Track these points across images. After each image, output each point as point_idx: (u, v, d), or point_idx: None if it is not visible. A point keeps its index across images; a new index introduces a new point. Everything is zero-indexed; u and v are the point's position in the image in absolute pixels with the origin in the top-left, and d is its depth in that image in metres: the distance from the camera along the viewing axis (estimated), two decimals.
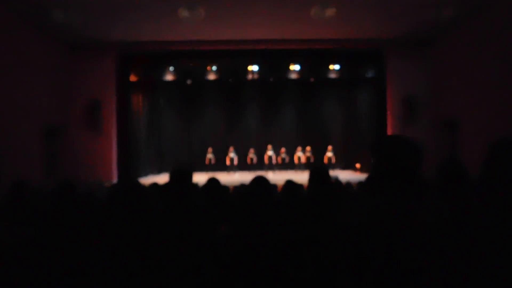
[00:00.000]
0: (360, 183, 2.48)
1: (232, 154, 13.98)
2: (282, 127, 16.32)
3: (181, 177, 2.28)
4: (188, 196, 2.24)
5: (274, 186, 7.01)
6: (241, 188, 5.36)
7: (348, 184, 6.17)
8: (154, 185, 3.64)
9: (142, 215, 1.26)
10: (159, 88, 14.57)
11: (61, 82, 10.82)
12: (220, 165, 15.63)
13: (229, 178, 12.27)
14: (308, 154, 13.99)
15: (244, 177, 12.12)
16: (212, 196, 3.07)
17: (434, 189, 2.02)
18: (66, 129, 11.07)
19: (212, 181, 3.18)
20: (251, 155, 14.22)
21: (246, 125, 16.27)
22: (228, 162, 13.91)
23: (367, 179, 1.72)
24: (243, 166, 16.02)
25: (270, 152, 13.96)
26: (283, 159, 14.16)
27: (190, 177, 2.36)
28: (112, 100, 11.43)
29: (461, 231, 1.05)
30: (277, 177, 12.11)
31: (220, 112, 16.21)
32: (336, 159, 14.29)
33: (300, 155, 13.82)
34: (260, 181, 2.33)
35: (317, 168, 2.45)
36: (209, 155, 14.22)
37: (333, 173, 12.08)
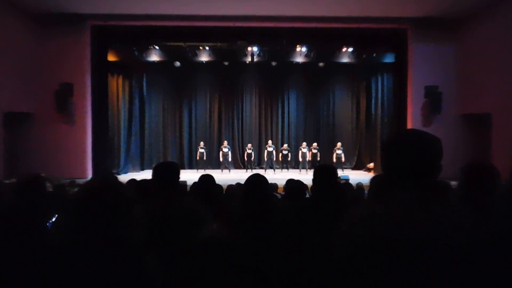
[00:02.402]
0: (372, 186, 2.50)
1: (226, 149, 14.02)
2: (285, 119, 16.34)
3: (167, 174, 2.29)
4: (174, 195, 2.26)
5: (274, 185, 7.07)
6: (236, 187, 5.39)
7: (359, 186, 6.21)
8: (133, 182, 3.64)
9: (118, 217, 1.27)
10: (142, 70, 14.57)
11: (26, 62, 10.72)
12: (213, 162, 15.68)
13: (223, 176, 12.24)
14: (314, 151, 14.05)
15: (240, 175, 12.15)
16: (203, 196, 3.09)
17: (457, 196, 2.04)
18: (32, 117, 11.07)
19: (205, 179, 3.20)
20: (249, 150, 14.28)
21: (243, 116, 16.27)
22: (221, 158, 13.97)
23: (374, 181, 1.73)
24: (239, 163, 16.20)
25: (270, 148, 14.01)
26: (284, 156, 14.21)
27: (177, 174, 2.37)
28: (87, 83, 11.38)
29: (490, 250, 1.06)
30: (277, 177, 12.06)
31: (213, 100, 16.20)
32: (346, 157, 14.38)
33: (304, 152, 13.89)
34: (257, 180, 2.34)
35: (323, 168, 2.46)
36: (201, 150, 14.25)
37: (342, 173, 12.44)
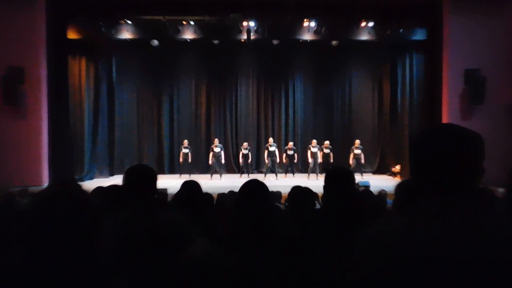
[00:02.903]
0: (397, 195, 2.51)
1: (217, 149, 14.03)
2: (289, 112, 16.44)
3: (141, 180, 2.29)
4: (152, 206, 2.26)
5: (276, 194, 7.07)
6: (228, 196, 5.41)
7: (382, 195, 6.23)
8: (100, 190, 3.64)
9: (81, 234, 1.27)
10: (111, 50, 14.57)
11: None
12: (200, 165, 15.76)
13: (213, 183, 12.28)
14: (326, 150, 14.08)
15: (234, 181, 12.14)
16: (188, 206, 3.09)
17: (504, 206, 2.04)
18: None
19: (188, 187, 3.20)
20: (245, 151, 14.30)
21: (237, 108, 16.35)
22: (211, 160, 13.99)
23: (401, 189, 1.74)
24: (232, 166, 16.12)
25: (271, 148, 14.03)
26: (289, 158, 14.27)
27: (154, 180, 2.37)
28: (41, 67, 11.36)
29: None
30: (280, 183, 12.08)
31: (200, 88, 16.25)
32: (366, 158, 14.44)
33: (314, 152, 13.91)
34: (255, 188, 2.35)
35: (337, 172, 2.47)
36: (184, 150, 14.30)
37: (361, 179, 12.48)
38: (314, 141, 14.24)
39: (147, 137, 15.75)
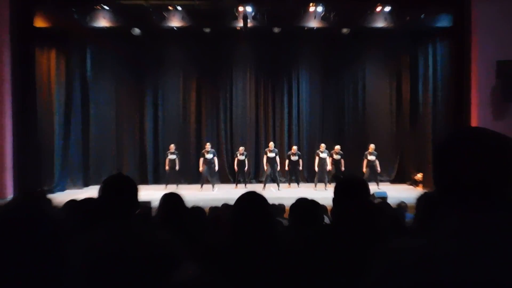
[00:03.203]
0: (419, 208, 2.52)
1: (210, 156, 14.02)
2: (293, 111, 16.46)
3: (120, 192, 2.29)
4: (132, 223, 2.25)
5: (278, 208, 7.05)
6: (222, 210, 5.41)
7: (401, 207, 6.22)
8: (73, 204, 3.64)
9: (46, 257, 1.26)
10: (86, 41, 14.58)
11: None
12: (189, 173, 15.77)
13: (204, 195, 12.25)
14: (337, 156, 14.09)
15: (228, 193, 12.13)
16: (173, 223, 3.09)
17: None
18: None
19: (168, 200, 3.20)
20: (241, 157, 14.30)
21: (232, 107, 16.39)
22: (202, 168, 13.97)
23: (423, 201, 1.74)
24: (226, 174, 16.14)
25: (271, 153, 14.01)
26: (293, 165, 14.27)
27: (134, 191, 2.37)
28: (4, 60, 11.38)
29: None
30: (283, 194, 12.05)
31: (189, 84, 16.29)
32: (382, 165, 14.45)
33: (323, 158, 13.91)
34: (253, 200, 2.35)
35: (349, 181, 2.46)
36: (171, 157, 14.32)
37: (377, 189, 12.39)
38: (323, 145, 14.24)
39: (128, 142, 15.74)
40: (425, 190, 3.83)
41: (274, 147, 14.40)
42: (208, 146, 14.27)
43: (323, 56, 15.91)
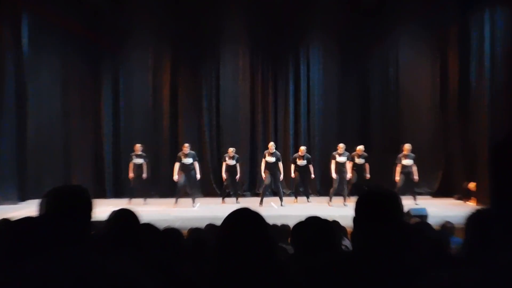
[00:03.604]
0: (470, 230, 2.52)
1: (187, 160, 13.95)
2: (300, 101, 16.55)
3: (68, 209, 2.27)
4: (83, 249, 2.25)
5: (281, 230, 7.01)
6: (205, 233, 5.40)
7: (446, 229, 6.24)
8: (4, 224, 3.64)
9: None
10: (21, 5, 14.48)
11: None
12: (161, 183, 15.94)
13: (181, 212, 12.27)
14: (360, 160, 14.12)
15: (214, 210, 12.13)
16: (134, 247, 3.09)
17: None
18: None
19: (119, 219, 3.21)
20: (230, 161, 14.27)
21: (219, 96, 16.48)
22: (177, 177, 13.90)
23: (476, 221, 1.74)
24: (211, 185, 16.32)
25: (271, 158, 13.95)
26: (302, 172, 14.27)
27: (88, 207, 2.35)
28: None
29: None
30: (287, 211, 12.12)
31: (161, 63, 16.38)
32: (421, 173, 14.40)
33: (341, 162, 13.84)
34: (246, 220, 2.34)
35: (375, 194, 2.45)
36: (137, 161, 14.35)
37: (415, 204, 12.42)
38: (341, 145, 14.16)
39: (79, 143, 15.76)
40: (479, 207, 3.83)
41: (276, 148, 14.37)
42: (186, 147, 14.21)
43: (342, 29, 15.99)
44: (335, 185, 13.89)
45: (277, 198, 14.07)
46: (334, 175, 13.94)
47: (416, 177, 13.96)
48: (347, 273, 2.27)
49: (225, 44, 16.23)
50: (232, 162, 14.34)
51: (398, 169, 13.96)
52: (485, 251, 1.56)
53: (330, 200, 13.83)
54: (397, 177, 13.86)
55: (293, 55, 16.35)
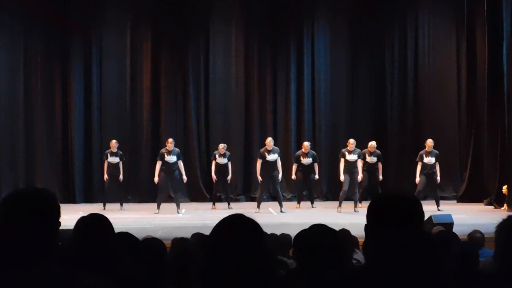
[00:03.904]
0: (501, 240, 2.52)
1: (171, 157, 13.89)
2: (304, 89, 16.55)
3: (31, 216, 2.25)
4: (48, 265, 2.23)
5: (282, 240, 6.98)
6: (193, 245, 5.39)
7: (474, 239, 6.24)
8: None
9: None
10: None
11: None
12: (140, 186, 15.97)
13: (164, 219, 12.32)
14: (372, 159, 14.13)
15: (203, 216, 12.19)
16: (107, 261, 3.08)
17: None
18: None
19: (87, 226, 3.19)
20: (221, 159, 14.25)
21: (209, 83, 16.44)
22: (158, 178, 13.86)
23: (509, 229, 1.73)
24: (200, 188, 16.26)
25: (270, 155, 13.89)
26: (304, 171, 14.30)
27: (54, 213, 2.33)
28: None
29: None
30: (289, 219, 12.12)
31: (140, 44, 16.34)
32: (445, 175, 14.46)
33: (352, 161, 13.75)
34: (240, 228, 2.33)
35: (390, 198, 2.45)
36: (112, 159, 14.34)
37: (438, 211, 12.39)
38: (351, 141, 14.09)
39: (44, 139, 15.77)
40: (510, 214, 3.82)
41: (275, 145, 14.34)
42: (170, 143, 14.22)
43: (351, 7, 16.08)
44: (344, 187, 13.84)
45: (276, 203, 14.06)
46: (342, 176, 13.88)
47: (438, 178, 13.94)
48: None
49: (215, 23, 16.25)
50: (223, 161, 14.34)
51: (419, 168, 13.93)
52: None
53: (340, 205, 13.81)
54: (418, 178, 13.84)
55: (295, 35, 16.38)
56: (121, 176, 14.28)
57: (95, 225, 3.31)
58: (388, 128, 16.11)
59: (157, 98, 16.18)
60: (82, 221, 3.33)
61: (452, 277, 2.92)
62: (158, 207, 13.76)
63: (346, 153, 13.89)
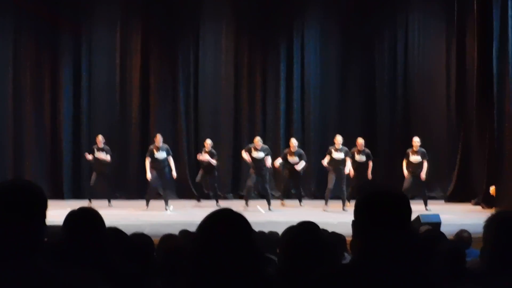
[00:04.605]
0: (488, 239, 2.52)
1: (160, 154, 13.83)
2: (293, 87, 16.51)
3: (17, 211, 2.23)
4: (35, 259, 2.22)
5: (269, 238, 6.95)
6: (180, 240, 5.38)
7: (462, 239, 6.27)
8: None
9: None
10: None
11: None
12: (129, 183, 15.96)
13: (153, 217, 12.32)
14: (360, 157, 14.14)
15: (191, 213, 12.23)
16: (97, 257, 3.06)
17: None
18: None
19: (76, 220, 3.17)
20: (206, 156, 14.32)
21: (198, 81, 16.46)
22: (149, 175, 13.78)
23: (497, 228, 1.74)
24: (188, 184, 16.27)
25: (259, 152, 13.84)
26: (291, 170, 14.23)
27: (41, 208, 2.31)
28: None
29: None
30: (277, 217, 12.18)
31: (130, 40, 16.30)
32: (433, 173, 14.52)
33: (338, 159, 13.70)
34: (228, 224, 2.32)
35: (379, 197, 2.45)
36: (100, 155, 14.23)
37: (426, 210, 12.41)
38: (339, 138, 14.00)
39: (32, 133, 15.73)
40: (498, 210, 3.83)
41: (264, 143, 14.30)
42: (159, 139, 14.16)
43: (341, 7, 16.08)
44: (329, 185, 13.82)
45: (265, 202, 14.01)
46: (330, 175, 13.92)
47: (423, 175, 13.83)
48: None
49: (205, 21, 16.24)
50: (208, 157, 14.33)
51: (404, 164, 13.91)
52: (507, 264, 1.56)
53: (326, 203, 13.78)
54: (406, 176, 13.83)
55: (285, 33, 16.39)
56: (107, 172, 14.31)
57: (86, 219, 3.28)
58: (377, 128, 16.15)
59: (147, 95, 16.16)
60: (72, 215, 3.29)
61: (438, 276, 2.92)
62: (147, 204, 13.70)
63: (333, 150, 13.83)
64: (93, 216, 3.28)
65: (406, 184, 13.61)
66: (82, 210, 3.35)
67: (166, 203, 13.87)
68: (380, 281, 2.24)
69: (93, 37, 15.95)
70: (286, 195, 14.70)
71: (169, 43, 16.13)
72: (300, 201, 14.54)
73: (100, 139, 14.28)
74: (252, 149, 13.90)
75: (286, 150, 14.45)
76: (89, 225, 3.23)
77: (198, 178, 14.64)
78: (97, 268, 2.81)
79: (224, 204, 14.36)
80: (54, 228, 3.24)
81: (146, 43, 16.10)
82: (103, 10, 15.79)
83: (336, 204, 13.75)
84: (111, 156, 14.32)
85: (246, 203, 13.78)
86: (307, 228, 3.37)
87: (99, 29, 15.96)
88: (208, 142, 14.42)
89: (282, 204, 14.45)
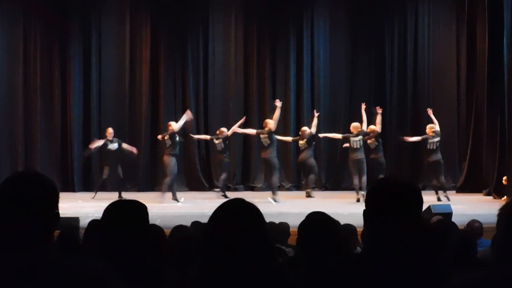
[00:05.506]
0: (502, 227, 2.52)
1: (169, 142, 13.76)
2: (303, 75, 16.55)
3: (28, 202, 2.23)
4: (47, 249, 2.22)
5: (280, 229, 6.95)
6: (191, 232, 5.39)
7: (473, 229, 6.26)
8: None
9: None
10: None
11: None
12: (138, 175, 15.93)
13: (164, 208, 12.27)
14: (372, 143, 14.11)
15: (201, 205, 12.20)
16: (116, 251, 3.05)
17: None
18: None
19: (126, 214, 3.14)
20: (218, 141, 14.26)
21: (208, 72, 16.47)
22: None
23: (508, 217, 1.72)
24: (198, 175, 16.30)
25: (266, 137, 13.76)
26: (302, 157, 14.39)
27: (53, 199, 2.31)
28: None
29: None
30: (287, 208, 12.09)
31: (139, 31, 16.25)
32: (445, 162, 14.52)
33: (356, 145, 13.55)
34: (240, 214, 2.31)
35: (387, 185, 2.44)
36: (110, 146, 14.15)
37: (434, 200, 12.41)
38: (355, 124, 14.02)
39: (42, 125, 15.77)
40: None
41: (268, 130, 13.96)
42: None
43: None
44: (355, 181, 13.71)
45: (276, 193, 13.78)
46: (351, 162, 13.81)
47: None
48: (356, 278, 2.26)
49: (214, 10, 16.25)
50: (220, 146, 14.23)
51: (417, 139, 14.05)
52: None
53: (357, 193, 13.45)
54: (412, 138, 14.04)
55: (295, 22, 16.38)
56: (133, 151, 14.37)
57: (131, 211, 3.13)
58: (387, 119, 16.06)
59: (156, 85, 16.18)
60: (114, 207, 3.16)
61: (449, 266, 2.92)
62: (165, 196, 13.55)
63: (351, 138, 13.75)
64: (141, 209, 3.14)
65: (421, 175, 13.65)
66: (129, 202, 3.20)
67: (173, 194, 13.70)
68: (390, 271, 2.24)
69: (102, 29, 15.98)
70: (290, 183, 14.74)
71: (178, 33, 16.12)
72: (311, 190, 14.29)
73: (110, 131, 14.28)
74: (262, 136, 13.81)
75: (295, 138, 14.52)
76: (134, 219, 3.09)
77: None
78: (134, 265, 2.79)
79: (234, 196, 14.28)
80: (68, 220, 3.23)
81: (155, 34, 16.10)
82: (113, 2, 15.78)
83: (350, 195, 13.76)
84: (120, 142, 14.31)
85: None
86: (315, 218, 3.37)
87: (109, 21, 15.99)
88: (222, 131, 14.26)
89: (292, 196, 14.41)
